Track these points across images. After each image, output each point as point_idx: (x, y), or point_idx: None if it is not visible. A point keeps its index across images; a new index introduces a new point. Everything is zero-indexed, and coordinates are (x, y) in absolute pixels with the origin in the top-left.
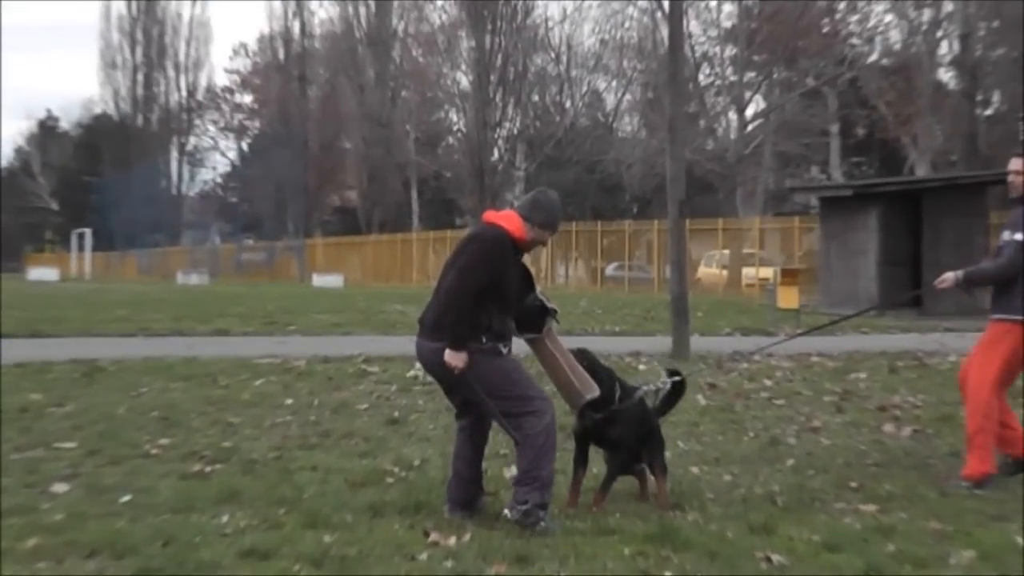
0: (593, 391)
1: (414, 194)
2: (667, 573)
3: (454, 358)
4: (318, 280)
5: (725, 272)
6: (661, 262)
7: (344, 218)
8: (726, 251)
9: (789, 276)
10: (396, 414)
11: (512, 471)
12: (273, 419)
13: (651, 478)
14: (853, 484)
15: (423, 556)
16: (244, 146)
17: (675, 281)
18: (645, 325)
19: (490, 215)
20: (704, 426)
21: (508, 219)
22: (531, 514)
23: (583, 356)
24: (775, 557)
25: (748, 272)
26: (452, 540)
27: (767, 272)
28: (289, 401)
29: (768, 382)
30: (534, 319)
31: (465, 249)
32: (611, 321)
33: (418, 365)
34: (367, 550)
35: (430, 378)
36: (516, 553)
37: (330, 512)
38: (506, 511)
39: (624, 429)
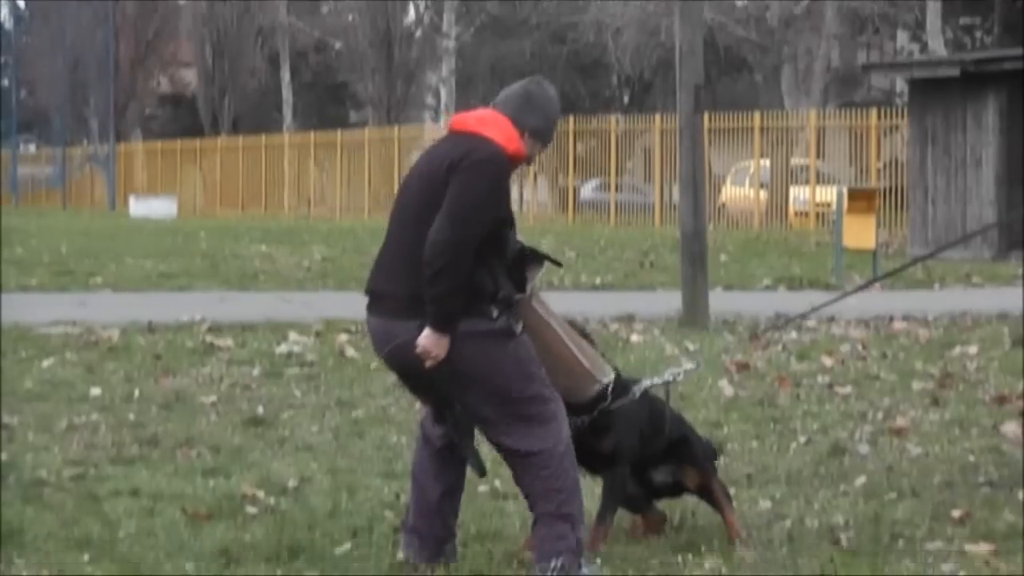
0: (608, 374)
1: (285, 75)
2: None
3: (435, 343)
4: (138, 207)
5: (764, 194)
6: (666, 179)
7: (177, 112)
8: (766, 162)
9: (862, 200)
10: (260, 411)
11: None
12: (71, 419)
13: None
14: (956, 513)
15: None
16: None
17: (688, 209)
18: (641, 275)
19: (467, 121)
20: (731, 427)
21: (496, 125)
22: (568, 569)
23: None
24: None
25: (799, 194)
26: None
27: (828, 194)
28: (95, 392)
29: (828, 361)
30: (515, 272)
31: (454, 179)
32: (589, 270)
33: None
34: None
35: (311, 357)
36: None
37: (160, 560)
38: None
39: (623, 437)
